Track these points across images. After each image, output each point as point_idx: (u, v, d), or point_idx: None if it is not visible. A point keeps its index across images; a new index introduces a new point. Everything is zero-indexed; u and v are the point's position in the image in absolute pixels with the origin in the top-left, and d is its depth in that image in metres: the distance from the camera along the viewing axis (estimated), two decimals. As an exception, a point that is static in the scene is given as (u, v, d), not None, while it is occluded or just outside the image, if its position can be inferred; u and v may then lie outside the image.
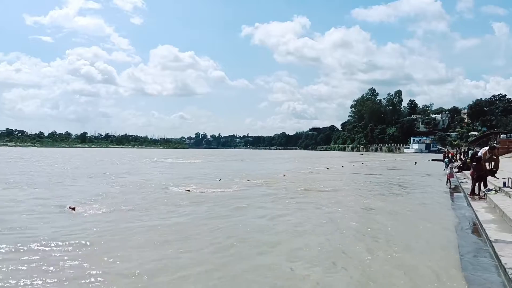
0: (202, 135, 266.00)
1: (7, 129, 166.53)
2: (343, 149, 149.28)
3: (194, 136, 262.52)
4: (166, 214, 10.44)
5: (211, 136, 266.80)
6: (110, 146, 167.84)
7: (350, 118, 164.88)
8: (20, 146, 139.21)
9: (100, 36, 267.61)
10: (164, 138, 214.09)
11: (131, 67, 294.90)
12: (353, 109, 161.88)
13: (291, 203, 12.69)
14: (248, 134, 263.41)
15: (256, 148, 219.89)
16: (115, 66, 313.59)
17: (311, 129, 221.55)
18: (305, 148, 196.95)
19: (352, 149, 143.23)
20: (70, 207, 10.64)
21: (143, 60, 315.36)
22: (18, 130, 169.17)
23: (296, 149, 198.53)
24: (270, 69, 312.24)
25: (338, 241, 7.62)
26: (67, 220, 9.36)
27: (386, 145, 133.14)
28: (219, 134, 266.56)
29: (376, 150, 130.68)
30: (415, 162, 45.45)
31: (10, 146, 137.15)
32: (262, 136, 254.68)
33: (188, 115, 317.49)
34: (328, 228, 8.90)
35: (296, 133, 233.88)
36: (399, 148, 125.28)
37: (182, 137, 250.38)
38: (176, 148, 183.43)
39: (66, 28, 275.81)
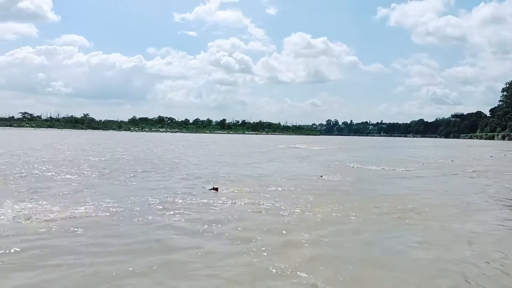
0: (334, 122, 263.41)
1: (159, 116, 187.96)
2: (492, 138, 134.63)
3: (326, 123, 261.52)
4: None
5: (342, 123, 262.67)
6: (246, 132, 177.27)
7: (501, 103, 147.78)
8: (170, 132, 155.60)
9: (238, 28, 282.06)
10: (296, 125, 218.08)
11: (266, 56, 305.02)
12: (505, 93, 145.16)
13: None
14: (382, 121, 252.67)
15: (390, 136, 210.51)
16: (251, 55, 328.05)
17: (453, 116, 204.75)
18: (446, 136, 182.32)
19: (503, 138, 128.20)
20: (214, 188, 11.10)
21: (277, 49, 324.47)
22: (168, 118, 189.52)
23: (435, 137, 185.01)
24: (407, 51, 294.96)
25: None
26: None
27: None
28: (351, 121, 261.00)
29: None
30: None
31: (161, 131, 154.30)
32: (397, 123, 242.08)
33: (320, 102, 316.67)
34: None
35: (436, 119, 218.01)
36: None
37: (314, 124, 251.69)
38: (307, 134, 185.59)
39: (208, 22, 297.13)
